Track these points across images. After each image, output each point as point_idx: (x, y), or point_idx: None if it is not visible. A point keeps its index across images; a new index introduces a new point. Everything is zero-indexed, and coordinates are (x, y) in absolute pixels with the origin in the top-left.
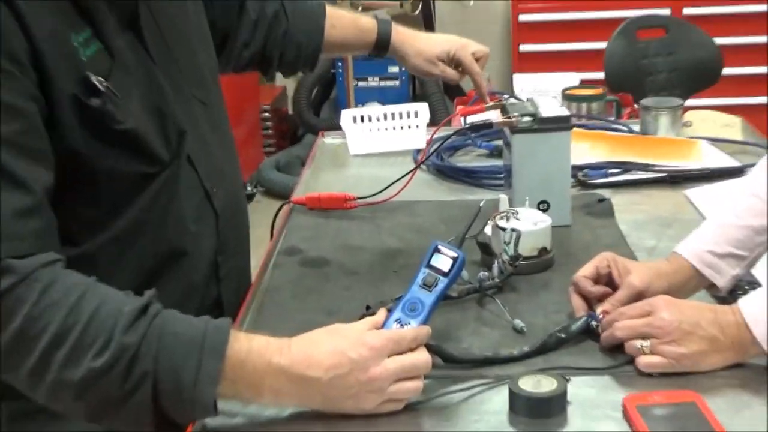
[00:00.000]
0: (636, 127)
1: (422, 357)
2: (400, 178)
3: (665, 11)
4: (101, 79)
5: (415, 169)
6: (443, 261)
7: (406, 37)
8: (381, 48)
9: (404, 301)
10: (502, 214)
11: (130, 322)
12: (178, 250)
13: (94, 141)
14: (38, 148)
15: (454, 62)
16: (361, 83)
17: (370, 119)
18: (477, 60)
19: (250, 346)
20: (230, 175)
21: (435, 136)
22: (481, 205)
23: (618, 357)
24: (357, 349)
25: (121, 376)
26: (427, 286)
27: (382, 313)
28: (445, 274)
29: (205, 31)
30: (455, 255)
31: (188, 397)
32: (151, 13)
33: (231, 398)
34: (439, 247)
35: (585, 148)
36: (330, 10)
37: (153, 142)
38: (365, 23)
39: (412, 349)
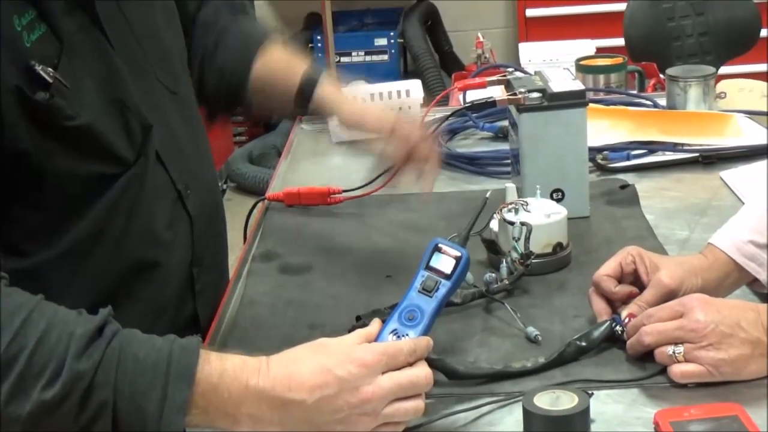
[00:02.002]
0: (662, 101)
1: (422, 373)
2: (391, 168)
3: None
4: (49, 69)
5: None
6: (445, 261)
7: (338, 95)
8: (302, 100)
9: (400, 310)
10: (510, 206)
11: (83, 347)
12: (147, 263)
13: (42, 139)
14: None
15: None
16: (343, 59)
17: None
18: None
19: (223, 367)
20: (204, 174)
21: (431, 118)
22: (487, 196)
23: (647, 367)
24: (345, 366)
25: (75, 409)
26: (427, 291)
27: (375, 324)
28: (447, 277)
29: (173, 9)
30: (458, 254)
31: (153, 431)
32: None
33: (203, 428)
34: (440, 245)
35: (604, 127)
36: (272, 45)
37: (113, 138)
38: (297, 64)
39: (410, 364)
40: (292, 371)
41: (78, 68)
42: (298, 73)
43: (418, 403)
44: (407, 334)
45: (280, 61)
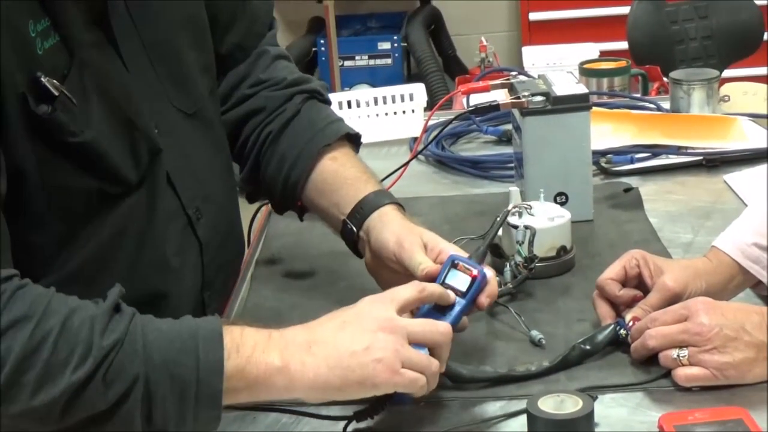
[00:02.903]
0: (666, 104)
1: (439, 322)
2: (394, 171)
3: None
4: (56, 82)
5: (410, 160)
6: (460, 279)
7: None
8: (355, 218)
9: None
10: (513, 210)
11: (106, 324)
12: (156, 290)
13: (42, 151)
14: None
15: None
16: (347, 63)
17: (358, 104)
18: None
19: (242, 327)
20: (219, 196)
21: (434, 122)
22: (508, 209)
23: (652, 370)
24: (360, 306)
25: (103, 386)
26: (440, 309)
27: None
28: (462, 295)
29: (201, 27)
30: (475, 273)
31: (191, 396)
32: (127, 9)
33: (238, 389)
34: (456, 262)
35: (607, 131)
36: (342, 144)
37: (117, 158)
38: (372, 179)
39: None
40: (309, 324)
41: (87, 84)
42: (348, 202)
43: (434, 361)
44: None
45: (351, 163)
